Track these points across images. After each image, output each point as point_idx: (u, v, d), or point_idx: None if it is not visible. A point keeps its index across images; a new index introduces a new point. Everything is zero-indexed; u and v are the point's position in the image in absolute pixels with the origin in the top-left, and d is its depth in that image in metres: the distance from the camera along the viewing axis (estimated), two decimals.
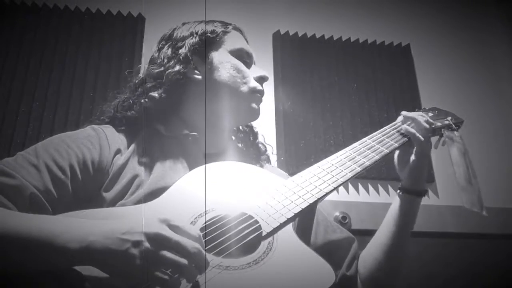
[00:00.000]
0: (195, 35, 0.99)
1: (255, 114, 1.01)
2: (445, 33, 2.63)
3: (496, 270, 2.02)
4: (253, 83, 0.99)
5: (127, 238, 0.58)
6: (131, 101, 0.97)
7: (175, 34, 1.02)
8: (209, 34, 0.99)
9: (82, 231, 0.61)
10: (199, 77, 0.97)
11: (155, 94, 0.94)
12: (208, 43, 0.98)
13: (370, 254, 1.00)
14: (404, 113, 1.07)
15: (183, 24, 1.05)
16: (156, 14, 2.27)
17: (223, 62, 0.98)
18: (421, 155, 0.98)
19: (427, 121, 1.02)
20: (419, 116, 1.04)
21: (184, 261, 0.59)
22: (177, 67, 0.95)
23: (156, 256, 0.58)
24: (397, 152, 1.04)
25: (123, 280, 0.59)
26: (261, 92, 1.01)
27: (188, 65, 0.96)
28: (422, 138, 0.98)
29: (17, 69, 2.04)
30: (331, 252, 0.99)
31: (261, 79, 1.01)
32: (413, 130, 0.99)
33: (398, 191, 1.01)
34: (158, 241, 0.60)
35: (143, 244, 0.58)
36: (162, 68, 0.96)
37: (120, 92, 1.04)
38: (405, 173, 1.01)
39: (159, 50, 1.02)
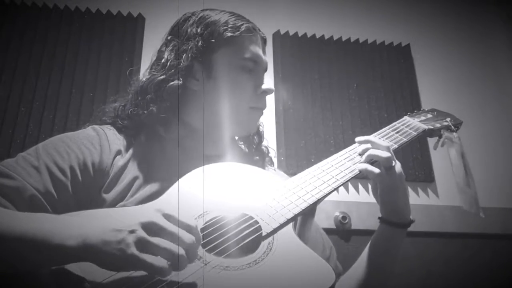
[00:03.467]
0: (199, 38, 0.94)
1: (252, 128, 1.01)
2: (445, 33, 2.63)
3: (496, 270, 2.03)
4: (252, 101, 0.95)
5: (122, 229, 0.59)
6: (129, 112, 0.95)
7: (182, 29, 0.97)
8: (213, 40, 0.93)
9: (79, 228, 0.61)
10: (198, 88, 0.95)
11: (154, 108, 0.92)
12: (211, 48, 0.94)
13: (346, 283, 0.93)
14: (357, 139, 0.95)
15: (198, 13, 0.99)
16: (156, 14, 2.27)
17: (223, 75, 0.94)
18: (387, 189, 0.89)
19: (386, 148, 0.89)
20: (377, 140, 0.92)
21: (180, 249, 0.59)
22: (177, 81, 0.92)
23: (150, 243, 0.58)
24: (371, 183, 0.95)
25: (124, 270, 0.59)
26: (261, 108, 0.98)
27: (189, 75, 0.94)
28: (383, 174, 0.87)
29: (17, 69, 2.04)
30: None
31: (264, 93, 0.98)
32: (370, 168, 0.87)
33: (378, 220, 0.93)
34: (153, 229, 0.60)
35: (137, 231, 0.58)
36: (164, 77, 0.93)
37: (121, 96, 1.02)
38: (380, 207, 0.92)
39: (166, 45, 0.99)
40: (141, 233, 0.58)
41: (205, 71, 0.94)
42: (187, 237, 0.61)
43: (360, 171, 0.88)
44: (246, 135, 1.06)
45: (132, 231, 0.58)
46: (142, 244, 0.58)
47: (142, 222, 0.60)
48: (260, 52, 0.98)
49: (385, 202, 0.91)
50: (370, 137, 0.94)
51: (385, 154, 0.88)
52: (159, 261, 0.57)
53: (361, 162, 0.90)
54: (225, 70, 0.94)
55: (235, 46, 0.94)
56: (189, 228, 0.62)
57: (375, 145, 0.91)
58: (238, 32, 0.94)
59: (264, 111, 1.01)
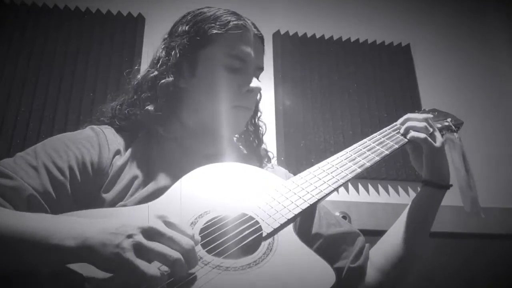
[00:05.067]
0: (186, 35, 0.94)
1: (239, 128, 0.99)
2: (445, 33, 2.63)
3: (496, 270, 2.03)
4: (235, 100, 0.93)
5: (121, 232, 0.58)
6: (126, 112, 0.95)
7: (176, 26, 0.98)
8: (197, 38, 0.92)
9: (78, 229, 0.61)
10: (185, 85, 0.94)
11: (150, 108, 0.92)
12: (196, 45, 0.93)
13: (387, 243, 1.00)
14: (399, 121, 1.04)
15: (195, 11, 0.98)
16: (156, 14, 2.27)
17: (206, 73, 0.92)
18: (430, 152, 0.97)
19: (424, 119, 1.00)
20: (414, 115, 1.03)
21: (176, 254, 0.59)
22: (167, 79, 0.92)
23: (146, 248, 0.58)
24: (410, 153, 1.03)
25: (119, 274, 0.59)
26: (246, 107, 0.96)
27: (178, 73, 0.93)
28: (428, 139, 0.96)
29: (17, 69, 2.04)
30: (334, 245, 0.99)
31: (249, 91, 0.94)
32: (415, 134, 0.97)
33: (422, 184, 1.00)
34: (152, 234, 0.60)
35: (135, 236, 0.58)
36: (156, 73, 0.93)
37: (118, 95, 1.02)
38: (424, 169, 0.99)
39: (163, 43, 0.99)
40: (139, 238, 0.58)
41: (190, 68, 0.94)
42: (187, 244, 0.61)
43: (409, 139, 0.98)
44: (235, 134, 1.05)
45: (130, 236, 0.58)
46: (139, 249, 0.58)
47: (141, 227, 0.60)
48: (249, 49, 0.94)
49: (430, 164, 0.98)
50: (408, 114, 1.04)
51: (421, 124, 0.98)
52: (152, 270, 0.57)
53: (401, 134, 1.00)
54: (208, 68, 0.92)
55: (220, 44, 0.92)
56: (188, 236, 0.63)
57: (411, 118, 1.01)
58: (224, 29, 0.92)
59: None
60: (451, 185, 0.99)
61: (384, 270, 0.97)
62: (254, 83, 0.94)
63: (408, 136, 0.98)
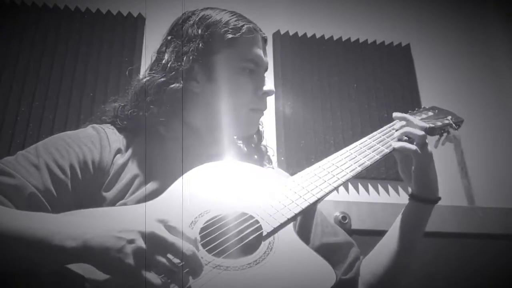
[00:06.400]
0: (199, 39, 0.93)
1: (252, 129, 1.00)
2: (445, 33, 2.63)
3: (496, 270, 2.02)
4: (252, 103, 0.95)
5: (123, 236, 0.58)
6: (129, 113, 0.94)
7: (183, 30, 0.96)
8: (213, 42, 0.92)
9: (79, 229, 0.61)
10: (198, 90, 0.94)
11: (155, 110, 0.92)
12: (212, 50, 0.93)
13: (374, 259, 0.98)
14: (395, 114, 1.01)
15: (198, 12, 0.97)
16: (156, 14, 2.26)
17: (224, 77, 0.93)
18: (421, 166, 0.93)
19: (421, 127, 0.96)
20: (413, 119, 0.98)
21: (177, 261, 0.59)
22: (176, 84, 0.91)
23: (149, 257, 0.58)
24: (399, 163, 0.99)
25: (120, 278, 0.59)
26: (262, 110, 0.98)
27: (189, 78, 0.93)
28: (418, 151, 0.91)
29: (17, 69, 2.04)
30: (327, 254, 0.96)
31: (265, 94, 0.97)
32: (407, 146, 0.92)
33: (408, 198, 0.97)
34: (153, 240, 0.59)
35: (136, 241, 0.58)
36: (164, 79, 0.92)
37: (121, 96, 1.02)
38: (412, 183, 0.96)
39: (166, 45, 0.97)
40: (141, 244, 0.58)
41: (205, 73, 0.93)
42: (189, 250, 0.60)
43: (396, 149, 0.92)
44: (247, 135, 1.05)
45: (131, 241, 0.58)
46: (140, 256, 0.57)
47: (143, 232, 0.59)
48: (261, 52, 0.97)
49: (419, 177, 0.94)
50: (407, 115, 0.99)
51: (419, 132, 0.93)
52: (152, 277, 0.56)
53: (396, 139, 0.95)
54: (226, 72, 0.93)
55: (236, 48, 0.93)
56: (190, 241, 0.62)
57: (410, 123, 0.97)
58: (239, 34, 0.93)
59: (264, 111, 1.01)
60: (440, 198, 0.96)
61: (373, 286, 0.96)
62: (268, 85, 0.97)
63: (397, 146, 0.93)
